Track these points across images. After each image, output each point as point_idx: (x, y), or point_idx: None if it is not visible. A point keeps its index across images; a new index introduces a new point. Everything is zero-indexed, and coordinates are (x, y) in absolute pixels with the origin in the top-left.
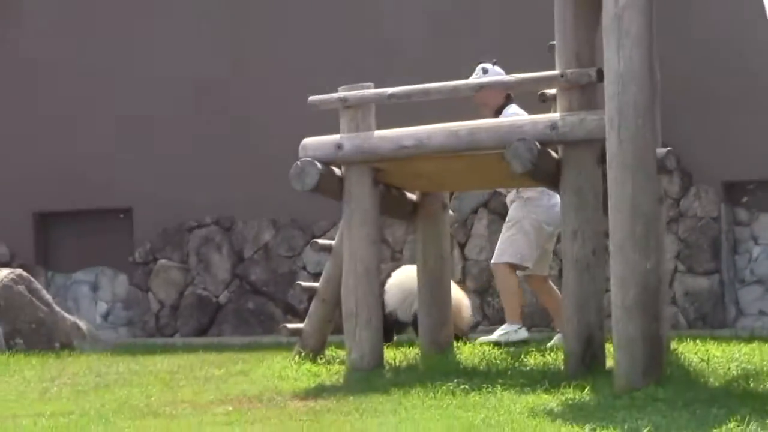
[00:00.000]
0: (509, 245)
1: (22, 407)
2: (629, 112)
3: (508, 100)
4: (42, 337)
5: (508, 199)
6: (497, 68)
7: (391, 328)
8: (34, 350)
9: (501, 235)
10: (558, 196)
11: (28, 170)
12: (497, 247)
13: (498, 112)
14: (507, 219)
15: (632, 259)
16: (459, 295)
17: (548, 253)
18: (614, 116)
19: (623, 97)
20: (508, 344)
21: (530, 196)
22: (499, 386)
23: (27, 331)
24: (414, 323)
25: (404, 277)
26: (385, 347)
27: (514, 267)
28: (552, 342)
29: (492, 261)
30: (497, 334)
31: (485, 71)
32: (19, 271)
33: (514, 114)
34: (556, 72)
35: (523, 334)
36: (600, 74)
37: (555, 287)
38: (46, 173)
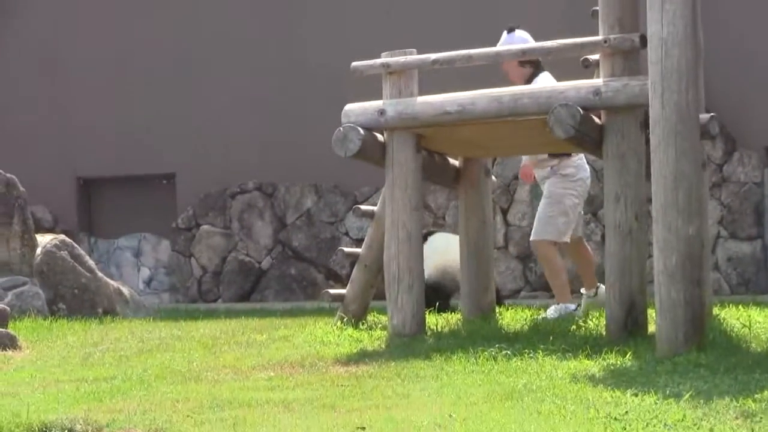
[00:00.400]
0: (549, 223)
1: (64, 372)
2: (672, 78)
3: (537, 69)
4: (85, 302)
5: (537, 175)
6: (523, 33)
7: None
8: (76, 316)
9: (540, 209)
10: (586, 165)
11: (71, 136)
12: (537, 222)
13: (528, 82)
14: (546, 194)
15: (675, 225)
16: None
17: (580, 216)
18: (657, 81)
19: (666, 62)
20: (556, 320)
21: (568, 173)
22: (540, 352)
23: (70, 296)
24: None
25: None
26: (427, 313)
27: (554, 243)
28: (581, 307)
29: (532, 237)
30: (548, 313)
31: (511, 31)
32: (62, 236)
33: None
34: (599, 38)
35: (572, 310)
36: (643, 39)
37: (588, 247)
38: (89, 139)
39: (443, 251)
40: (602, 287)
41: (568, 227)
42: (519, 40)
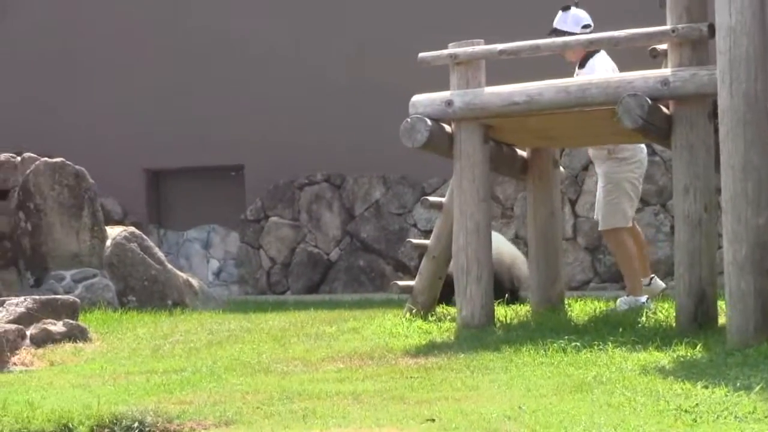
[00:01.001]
0: (614, 209)
1: (135, 364)
2: (741, 67)
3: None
4: (154, 294)
5: (592, 154)
6: (579, 11)
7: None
8: (146, 308)
9: (601, 197)
10: (644, 147)
11: (141, 128)
12: (602, 211)
13: (584, 60)
14: (605, 181)
15: (744, 215)
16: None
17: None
18: (726, 71)
19: (735, 51)
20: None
21: (625, 156)
22: (610, 343)
23: (140, 288)
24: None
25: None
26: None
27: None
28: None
29: (600, 227)
30: (620, 304)
31: (566, 10)
32: (132, 228)
33: (596, 65)
34: (667, 27)
35: (648, 306)
36: (711, 29)
37: (639, 230)
38: (159, 131)
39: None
40: (656, 279)
41: (632, 210)
42: (573, 19)
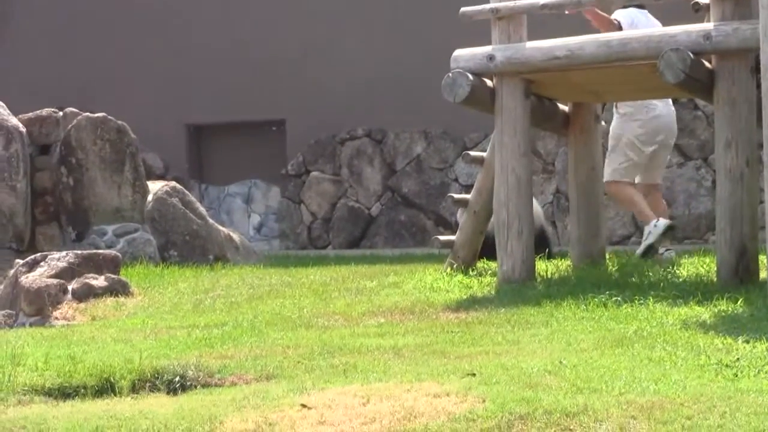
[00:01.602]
0: (611, 163)
1: (176, 319)
2: None
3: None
4: (196, 249)
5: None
6: None
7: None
8: (187, 262)
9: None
10: (660, 107)
11: (181, 83)
12: (605, 164)
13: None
14: (609, 136)
15: None
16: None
17: (659, 160)
18: None
19: None
20: (658, 240)
21: (626, 112)
22: (651, 298)
23: (181, 243)
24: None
25: None
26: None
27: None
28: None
29: (603, 179)
30: (643, 244)
31: None
32: (173, 183)
33: (626, 16)
34: None
35: (663, 222)
36: None
37: (662, 200)
38: (199, 86)
39: None
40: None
41: (632, 167)
42: None
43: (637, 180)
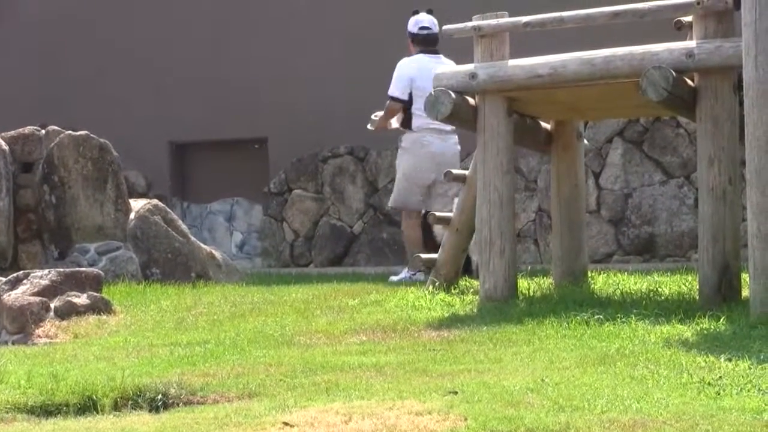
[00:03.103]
0: (394, 190)
1: (158, 337)
2: (766, 38)
3: (420, 48)
4: (178, 267)
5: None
6: (424, 15)
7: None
8: (170, 280)
9: None
10: (436, 143)
11: (164, 101)
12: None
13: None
14: (397, 165)
15: None
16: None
17: (437, 191)
18: (751, 43)
19: (761, 23)
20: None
21: (404, 146)
22: (633, 316)
23: (163, 261)
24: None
25: None
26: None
27: (412, 212)
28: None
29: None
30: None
31: (414, 14)
32: (156, 201)
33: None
34: None
35: (418, 277)
36: (736, 1)
37: (416, 226)
38: (182, 103)
39: None
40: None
41: (411, 196)
42: (415, 22)
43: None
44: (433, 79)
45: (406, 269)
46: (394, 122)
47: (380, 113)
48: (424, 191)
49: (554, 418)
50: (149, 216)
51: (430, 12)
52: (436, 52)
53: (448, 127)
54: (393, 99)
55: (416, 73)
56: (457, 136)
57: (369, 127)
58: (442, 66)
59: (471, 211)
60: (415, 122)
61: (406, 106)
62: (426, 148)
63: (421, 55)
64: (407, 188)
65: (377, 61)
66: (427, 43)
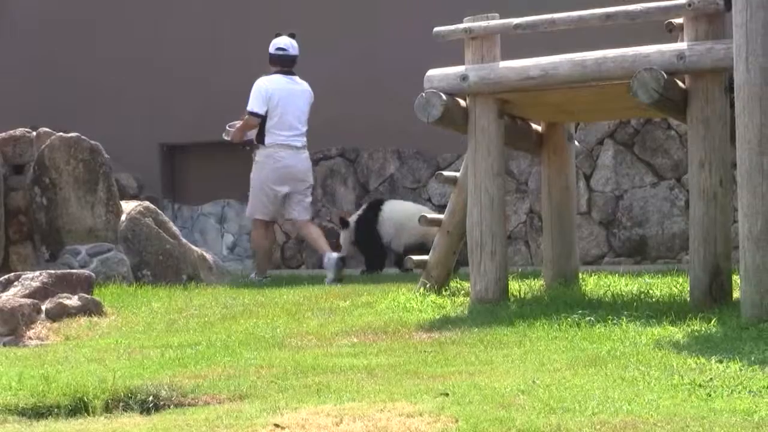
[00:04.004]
0: (249, 201)
1: (149, 339)
2: (758, 41)
3: (277, 68)
4: (169, 269)
5: None
6: (284, 39)
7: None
8: (161, 282)
9: None
10: (287, 158)
11: (155, 102)
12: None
13: None
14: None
15: (760, 189)
16: None
17: (292, 200)
18: (742, 45)
19: (751, 24)
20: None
21: (258, 160)
22: (624, 318)
23: (154, 263)
24: (406, 254)
25: (398, 209)
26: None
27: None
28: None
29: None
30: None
31: (276, 37)
32: (147, 203)
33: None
34: (683, 1)
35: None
36: (728, 2)
37: (274, 233)
38: (173, 105)
39: (412, 215)
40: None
41: (264, 207)
42: (272, 44)
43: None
44: (424, 80)
45: (254, 273)
46: (249, 134)
47: (236, 123)
48: (276, 202)
49: (545, 419)
50: (140, 218)
51: (292, 36)
52: (292, 73)
53: (299, 143)
54: (252, 114)
55: (272, 91)
56: (308, 152)
57: (224, 137)
58: (297, 86)
59: (462, 213)
60: (268, 138)
61: (260, 123)
62: (278, 162)
63: (278, 75)
64: (259, 200)
65: (369, 64)
66: (284, 63)
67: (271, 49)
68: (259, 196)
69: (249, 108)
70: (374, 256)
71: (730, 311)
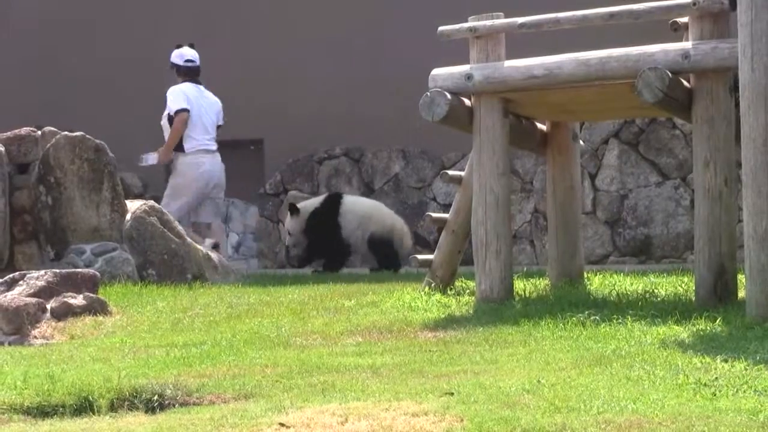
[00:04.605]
0: (171, 205)
1: (154, 338)
2: (762, 40)
3: (184, 78)
4: (174, 268)
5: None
6: (187, 49)
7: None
8: (166, 281)
9: None
10: (207, 164)
11: (160, 102)
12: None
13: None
14: (171, 184)
15: (765, 189)
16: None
17: (212, 204)
18: (747, 44)
19: (757, 24)
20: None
21: (179, 168)
22: (629, 317)
23: (159, 262)
24: (370, 248)
25: (361, 202)
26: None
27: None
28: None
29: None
30: None
31: (179, 47)
32: (152, 202)
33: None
34: (687, 0)
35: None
36: (732, 2)
37: (222, 233)
38: None
39: (374, 208)
40: None
41: (181, 211)
42: (179, 55)
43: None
44: (429, 79)
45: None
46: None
47: (151, 154)
48: (195, 206)
49: (550, 419)
50: (145, 217)
51: (192, 46)
52: (198, 82)
53: (214, 147)
54: (181, 111)
55: (189, 96)
56: (219, 155)
57: (143, 164)
58: (208, 95)
59: (467, 212)
60: (188, 144)
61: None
62: (200, 168)
63: (187, 84)
64: (180, 204)
65: (373, 63)
66: (192, 74)
67: (179, 61)
68: (182, 201)
69: (175, 108)
70: (335, 251)
71: (735, 310)
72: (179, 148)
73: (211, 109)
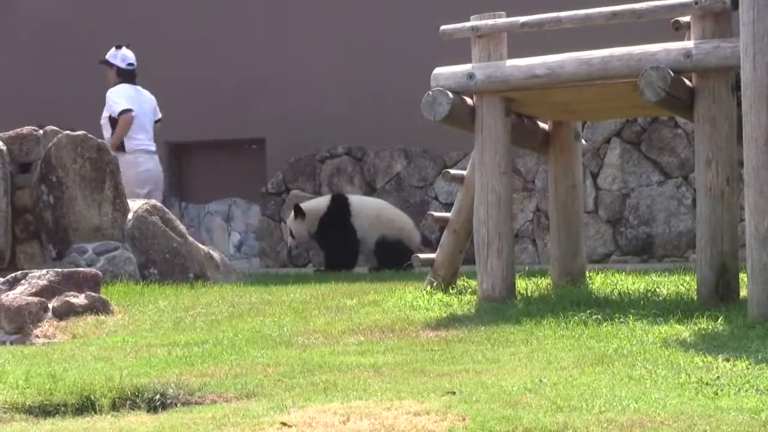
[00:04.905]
0: None
1: (156, 337)
2: (764, 39)
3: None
4: (176, 267)
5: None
6: (128, 51)
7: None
8: (168, 280)
9: None
10: (148, 164)
11: (161, 101)
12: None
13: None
14: None
15: (767, 188)
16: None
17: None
18: (749, 43)
19: (759, 23)
20: None
21: (123, 169)
22: (631, 316)
23: (161, 261)
24: (378, 250)
25: (368, 202)
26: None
27: None
28: None
29: None
30: None
31: (118, 48)
32: (153, 201)
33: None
34: None
35: None
36: (734, 1)
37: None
38: (179, 104)
39: (383, 208)
40: None
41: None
42: (122, 57)
43: None
44: (431, 78)
45: None
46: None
47: None
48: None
49: (552, 418)
50: (147, 216)
51: (127, 47)
52: (135, 83)
53: (154, 148)
54: (124, 111)
55: (128, 97)
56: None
57: None
58: (145, 94)
59: (469, 211)
60: (129, 144)
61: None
62: (140, 167)
63: (126, 85)
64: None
65: (374, 62)
66: (131, 76)
67: (121, 63)
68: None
69: (118, 109)
70: (348, 251)
71: (737, 309)
72: (120, 147)
73: (149, 108)
